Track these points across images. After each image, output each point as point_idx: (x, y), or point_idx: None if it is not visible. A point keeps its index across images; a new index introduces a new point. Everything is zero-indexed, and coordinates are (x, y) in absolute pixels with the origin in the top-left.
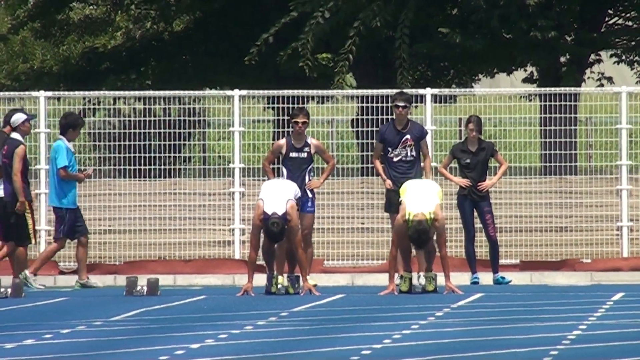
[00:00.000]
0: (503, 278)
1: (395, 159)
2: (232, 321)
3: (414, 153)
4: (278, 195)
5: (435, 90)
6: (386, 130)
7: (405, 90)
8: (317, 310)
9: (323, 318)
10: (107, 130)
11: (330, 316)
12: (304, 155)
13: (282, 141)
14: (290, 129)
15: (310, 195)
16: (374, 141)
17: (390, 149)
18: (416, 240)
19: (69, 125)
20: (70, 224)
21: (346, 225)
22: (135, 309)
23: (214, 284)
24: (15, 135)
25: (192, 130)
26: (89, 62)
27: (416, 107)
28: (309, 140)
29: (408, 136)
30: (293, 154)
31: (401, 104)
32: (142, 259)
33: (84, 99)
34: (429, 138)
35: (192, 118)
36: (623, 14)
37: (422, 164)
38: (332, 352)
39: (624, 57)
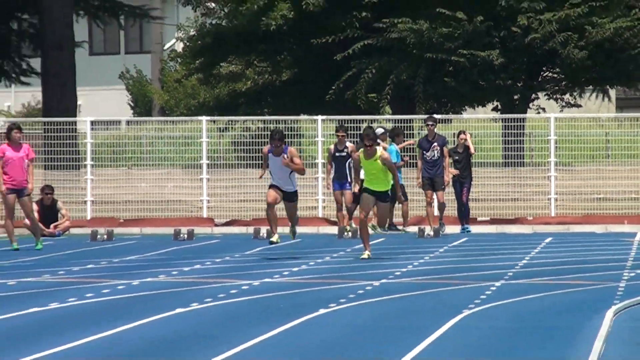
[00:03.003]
0: (468, 228)
1: (428, 159)
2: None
3: (439, 154)
4: None
5: (439, 116)
6: (422, 141)
7: (434, 115)
8: (372, 247)
9: (375, 253)
10: (242, 140)
11: (379, 252)
12: (344, 154)
13: (332, 147)
14: (336, 139)
15: (349, 179)
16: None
17: (425, 152)
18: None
19: None
20: None
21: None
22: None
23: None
24: None
25: (292, 140)
26: (231, 99)
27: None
28: (347, 144)
29: (435, 144)
30: (337, 154)
31: (430, 122)
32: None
33: (229, 121)
34: None
35: (293, 132)
36: (552, 70)
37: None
38: (377, 274)
39: (553, 96)
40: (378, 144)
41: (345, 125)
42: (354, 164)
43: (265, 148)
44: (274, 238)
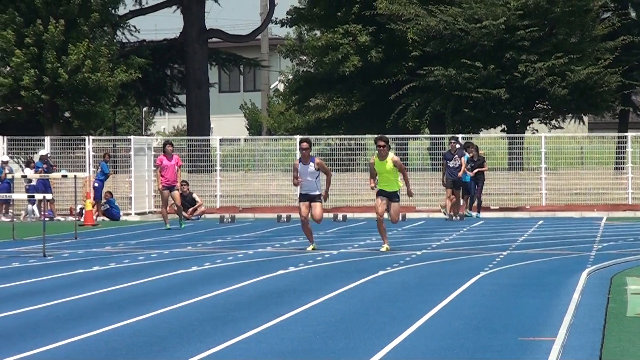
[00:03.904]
0: (478, 215)
1: (451, 166)
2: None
3: (459, 163)
4: None
5: (462, 135)
6: (446, 153)
7: (455, 135)
8: (415, 227)
9: (415, 232)
10: (325, 152)
11: (417, 230)
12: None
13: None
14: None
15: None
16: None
17: (448, 162)
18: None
19: None
20: None
21: (423, 192)
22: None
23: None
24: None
25: (360, 152)
26: (317, 123)
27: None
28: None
29: (457, 155)
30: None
31: (453, 141)
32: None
33: (316, 139)
34: None
35: (360, 148)
36: (542, 103)
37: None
38: (419, 246)
39: (543, 121)
40: (389, 147)
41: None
42: (370, 167)
43: (296, 162)
44: (310, 247)
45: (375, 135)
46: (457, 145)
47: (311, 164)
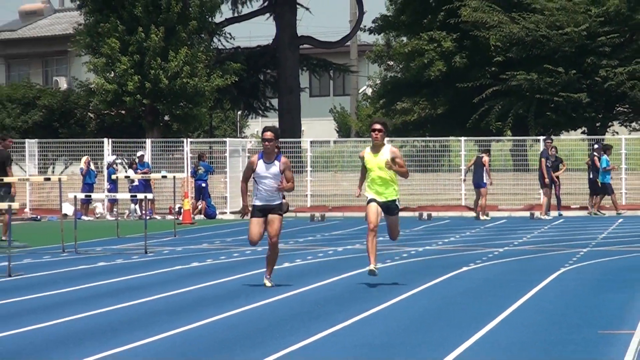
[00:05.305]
0: (560, 213)
1: (548, 165)
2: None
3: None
4: None
5: (542, 137)
6: (543, 152)
7: (550, 136)
8: (497, 225)
9: (497, 230)
10: (411, 153)
11: (500, 228)
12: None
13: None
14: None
15: (484, 179)
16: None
17: (547, 160)
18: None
19: None
20: None
21: (506, 192)
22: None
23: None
24: None
25: (443, 153)
26: (404, 126)
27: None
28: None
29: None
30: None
31: (549, 141)
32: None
33: (403, 141)
34: None
35: (444, 148)
36: (622, 106)
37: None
38: (502, 244)
39: (623, 124)
40: (386, 135)
41: (485, 144)
42: (361, 168)
43: (254, 158)
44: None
45: (463, 138)
46: (597, 146)
47: (276, 162)
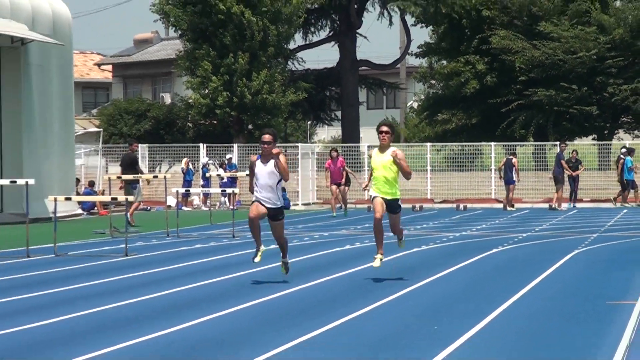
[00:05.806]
0: (575, 205)
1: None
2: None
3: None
4: None
5: (558, 142)
6: (559, 154)
7: (565, 142)
8: (521, 215)
9: (521, 219)
10: (450, 156)
11: (523, 217)
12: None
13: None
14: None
15: (509, 175)
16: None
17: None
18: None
19: None
20: None
21: (529, 187)
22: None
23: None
24: None
25: (477, 156)
26: (443, 133)
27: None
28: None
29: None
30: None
31: (563, 145)
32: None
33: (442, 146)
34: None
35: (477, 152)
36: (626, 117)
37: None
38: (525, 229)
39: (627, 131)
40: (393, 138)
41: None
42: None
43: (253, 158)
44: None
45: (493, 143)
46: (624, 150)
47: (272, 161)
